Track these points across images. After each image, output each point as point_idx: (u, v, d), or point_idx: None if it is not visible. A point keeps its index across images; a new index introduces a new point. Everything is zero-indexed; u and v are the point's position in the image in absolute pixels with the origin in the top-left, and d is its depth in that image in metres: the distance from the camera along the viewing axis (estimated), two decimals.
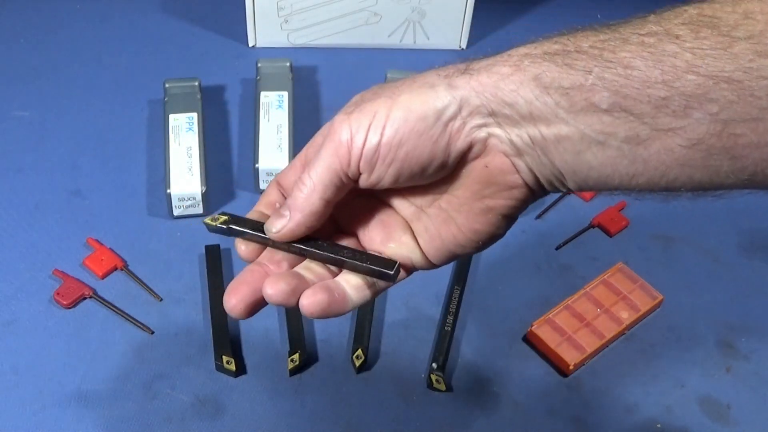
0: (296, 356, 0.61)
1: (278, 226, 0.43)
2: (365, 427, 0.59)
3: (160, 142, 0.75)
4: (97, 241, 0.68)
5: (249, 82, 0.82)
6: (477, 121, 0.40)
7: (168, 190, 0.69)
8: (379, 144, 0.40)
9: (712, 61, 0.35)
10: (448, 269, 0.68)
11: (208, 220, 0.45)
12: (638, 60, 0.37)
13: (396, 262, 0.42)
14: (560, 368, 0.63)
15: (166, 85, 0.77)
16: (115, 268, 0.67)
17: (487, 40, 0.90)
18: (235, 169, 0.76)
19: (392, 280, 0.43)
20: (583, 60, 0.38)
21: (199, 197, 0.70)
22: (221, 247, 0.68)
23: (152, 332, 0.63)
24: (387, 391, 0.61)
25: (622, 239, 0.73)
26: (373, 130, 0.40)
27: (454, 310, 0.65)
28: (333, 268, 0.44)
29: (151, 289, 0.66)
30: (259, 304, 0.43)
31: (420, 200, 0.44)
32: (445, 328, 0.64)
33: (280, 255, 0.44)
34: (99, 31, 0.87)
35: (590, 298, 0.66)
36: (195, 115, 0.74)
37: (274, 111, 0.75)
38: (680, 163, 0.37)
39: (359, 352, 0.62)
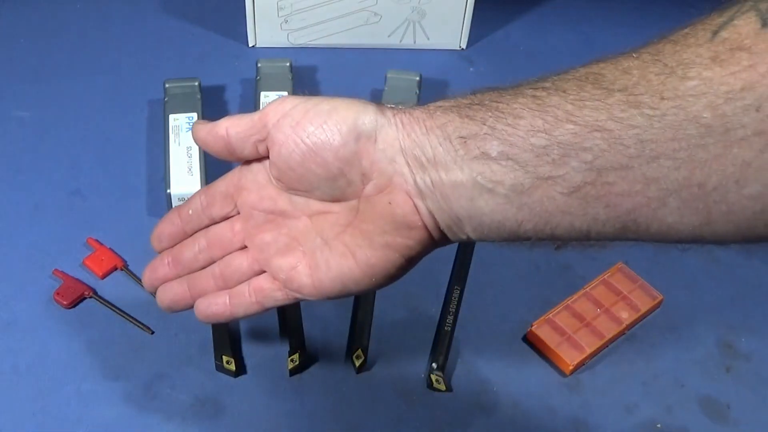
0: (296, 356, 0.61)
1: (197, 126, 0.49)
2: (365, 427, 0.60)
3: (160, 142, 0.75)
4: (97, 241, 0.68)
5: (249, 82, 0.82)
6: (388, 153, 0.43)
7: (168, 190, 0.69)
8: (297, 123, 0.44)
9: (589, 112, 0.38)
10: (448, 269, 0.68)
11: None
12: (526, 110, 0.39)
13: None
14: (560, 368, 0.63)
15: (166, 85, 0.77)
16: (115, 268, 0.67)
17: (487, 40, 0.90)
18: None
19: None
20: (482, 111, 0.40)
21: None
22: None
23: (152, 332, 0.63)
24: (387, 391, 0.62)
25: None
26: (299, 108, 0.45)
27: (453, 310, 0.65)
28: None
29: None
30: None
31: (328, 232, 0.46)
32: (445, 328, 0.64)
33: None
34: (99, 31, 0.87)
35: (590, 298, 0.66)
36: (195, 115, 0.74)
37: None
38: (561, 211, 0.39)
39: (359, 352, 0.62)
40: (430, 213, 0.43)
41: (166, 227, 0.52)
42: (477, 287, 0.68)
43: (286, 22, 0.84)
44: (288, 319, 0.63)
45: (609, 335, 0.64)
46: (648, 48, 0.38)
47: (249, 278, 0.49)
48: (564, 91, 0.39)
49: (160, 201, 0.71)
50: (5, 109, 0.79)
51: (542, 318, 0.65)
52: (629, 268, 0.69)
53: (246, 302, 0.49)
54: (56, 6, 0.89)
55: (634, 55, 0.38)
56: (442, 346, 0.63)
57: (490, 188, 0.40)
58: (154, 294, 0.52)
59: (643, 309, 0.66)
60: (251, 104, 0.79)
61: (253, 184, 0.48)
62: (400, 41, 0.87)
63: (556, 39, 0.90)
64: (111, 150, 0.76)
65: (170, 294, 0.51)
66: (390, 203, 0.43)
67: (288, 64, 0.80)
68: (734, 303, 0.69)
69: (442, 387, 0.61)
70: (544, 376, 0.63)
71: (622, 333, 0.65)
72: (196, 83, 0.77)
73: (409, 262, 0.45)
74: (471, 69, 0.86)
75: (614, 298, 0.67)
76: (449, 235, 0.44)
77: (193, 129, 0.48)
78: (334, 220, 0.46)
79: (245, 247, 0.50)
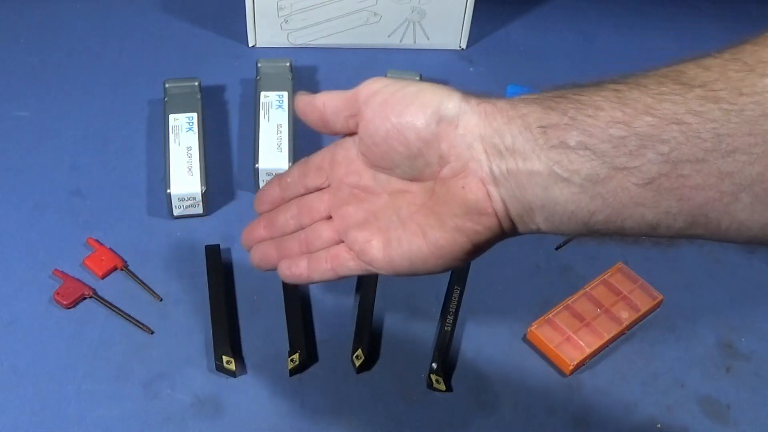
0: (296, 356, 0.61)
1: (299, 96, 0.52)
2: (365, 427, 0.60)
3: (160, 142, 0.75)
4: (97, 241, 0.68)
5: (249, 82, 0.82)
6: (467, 138, 0.44)
7: (168, 190, 0.69)
8: (385, 102, 0.46)
9: (668, 105, 0.39)
10: None
11: None
12: (606, 103, 0.40)
13: None
14: (560, 368, 0.63)
15: (166, 85, 0.77)
16: (115, 268, 0.67)
17: (487, 40, 0.90)
18: (235, 169, 0.76)
19: None
20: (563, 103, 0.42)
21: (199, 197, 0.70)
22: (221, 246, 0.68)
23: (152, 332, 0.63)
24: (387, 391, 0.62)
25: None
26: (389, 88, 0.47)
27: (454, 310, 0.65)
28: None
29: (151, 289, 0.66)
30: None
31: (404, 210, 0.48)
32: (445, 328, 0.64)
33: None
34: (99, 31, 0.87)
35: (590, 298, 0.66)
36: (195, 115, 0.74)
37: (274, 111, 0.75)
38: (634, 202, 0.40)
39: (359, 352, 0.62)
40: (503, 201, 0.44)
41: (268, 192, 0.55)
42: (477, 287, 0.68)
43: (286, 22, 0.84)
44: (288, 319, 0.63)
45: (609, 335, 0.64)
46: (729, 49, 0.39)
47: (329, 246, 0.52)
48: (644, 86, 0.40)
49: (160, 201, 0.71)
50: (5, 109, 0.79)
51: (542, 318, 0.65)
52: (629, 268, 0.69)
53: (322, 268, 0.51)
54: (56, 6, 0.89)
55: (714, 54, 0.39)
56: (442, 346, 0.63)
57: (565, 177, 0.41)
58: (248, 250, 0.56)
59: (643, 309, 0.66)
60: (251, 104, 0.79)
61: (344, 159, 0.51)
62: (400, 41, 0.87)
63: (556, 38, 0.90)
64: (111, 150, 0.76)
65: (260, 253, 0.55)
66: (463, 188, 0.44)
67: (288, 64, 0.80)
68: (734, 303, 0.69)
69: (442, 387, 0.61)
70: (544, 376, 0.63)
71: (622, 333, 0.65)
72: (196, 83, 0.77)
73: (476, 248, 0.46)
74: (471, 69, 0.86)
75: (614, 298, 0.67)
76: (519, 225, 0.45)
77: (295, 99, 0.52)
78: (411, 199, 0.48)
79: (331, 217, 0.52)
